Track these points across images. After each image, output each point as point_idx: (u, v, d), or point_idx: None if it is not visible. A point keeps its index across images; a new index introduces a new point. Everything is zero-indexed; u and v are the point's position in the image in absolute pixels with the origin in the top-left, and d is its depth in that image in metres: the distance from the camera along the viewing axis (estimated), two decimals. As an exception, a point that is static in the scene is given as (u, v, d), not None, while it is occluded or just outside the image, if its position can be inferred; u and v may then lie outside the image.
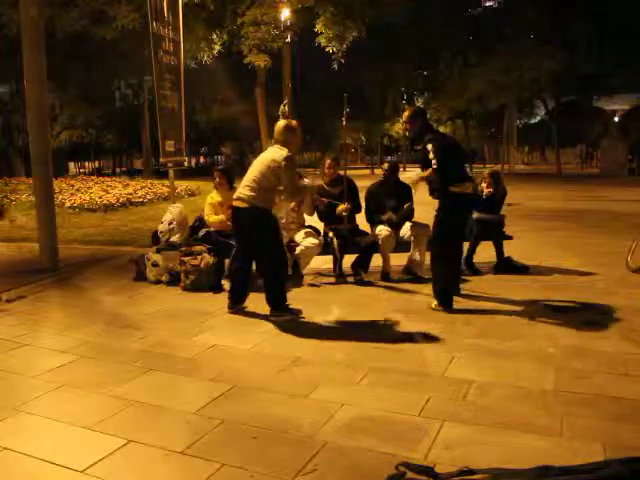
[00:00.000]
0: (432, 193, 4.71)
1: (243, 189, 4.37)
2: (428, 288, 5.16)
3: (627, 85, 27.47)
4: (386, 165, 6.14)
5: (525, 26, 26.53)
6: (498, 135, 37.50)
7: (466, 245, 5.72)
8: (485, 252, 6.01)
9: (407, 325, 4.21)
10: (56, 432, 2.64)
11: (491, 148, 47.66)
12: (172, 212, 6.11)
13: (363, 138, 41.16)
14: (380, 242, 5.54)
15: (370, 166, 38.95)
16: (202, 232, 5.78)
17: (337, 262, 5.63)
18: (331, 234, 5.64)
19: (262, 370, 3.37)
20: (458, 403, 2.87)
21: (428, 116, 5.04)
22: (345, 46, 16.20)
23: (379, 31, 21.96)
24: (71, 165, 41.05)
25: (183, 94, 7.48)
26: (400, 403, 2.86)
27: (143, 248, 6.99)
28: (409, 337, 3.94)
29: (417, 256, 5.61)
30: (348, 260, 5.71)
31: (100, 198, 12.53)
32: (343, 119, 5.84)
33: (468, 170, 5.28)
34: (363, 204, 5.86)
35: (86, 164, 43.08)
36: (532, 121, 40.61)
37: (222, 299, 5.04)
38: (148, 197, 13.47)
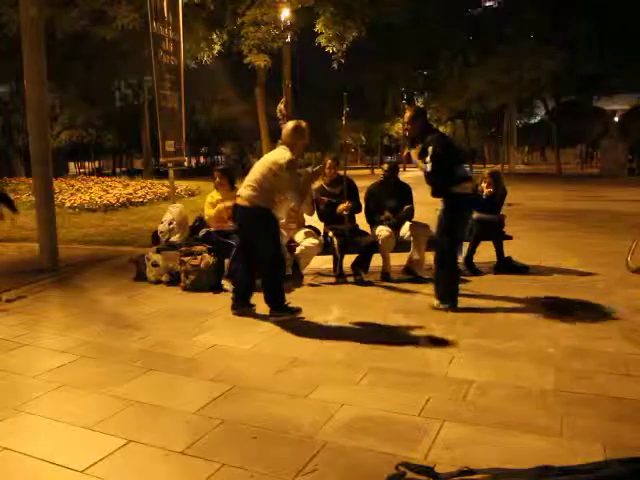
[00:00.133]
0: (434, 193, 4.72)
1: (245, 188, 4.37)
2: (428, 288, 5.17)
3: (627, 85, 27.47)
4: (386, 165, 6.15)
5: (525, 26, 26.54)
6: (498, 135, 37.50)
7: (466, 245, 5.73)
8: (485, 252, 6.01)
9: (407, 325, 4.21)
10: (56, 432, 2.64)
11: (491, 148, 47.67)
12: (172, 212, 6.11)
13: (363, 138, 41.17)
14: (380, 242, 5.54)
15: (370, 166, 38.96)
16: (202, 232, 5.78)
17: (337, 262, 5.63)
18: (331, 234, 5.65)
19: (262, 370, 3.37)
20: (458, 403, 2.87)
21: (428, 116, 5.07)
22: (345, 46, 16.19)
23: (379, 31, 21.95)
24: (71, 165, 41.07)
25: (183, 94, 7.48)
26: (400, 403, 2.86)
27: (143, 248, 6.99)
28: (409, 337, 3.94)
29: (417, 256, 5.61)
30: (348, 260, 5.71)
31: (100, 198, 12.54)
32: (343, 118, 5.85)
33: (468, 170, 5.32)
34: (363, 204, 5.87)
35: (86, 164, 43.10)
36: (532, 121, 40.63)
37: (222, 299, 5.05)
38: (148, 197, 13.48)
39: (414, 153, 4.71)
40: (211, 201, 5.72)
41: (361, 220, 5.89)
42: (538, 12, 25.46)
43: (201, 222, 5.99)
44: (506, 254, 5.97)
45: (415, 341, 3.86)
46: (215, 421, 2.70)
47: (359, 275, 5.61)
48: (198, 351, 3.71)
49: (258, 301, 4.62)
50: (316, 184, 5.59)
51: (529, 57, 24.42)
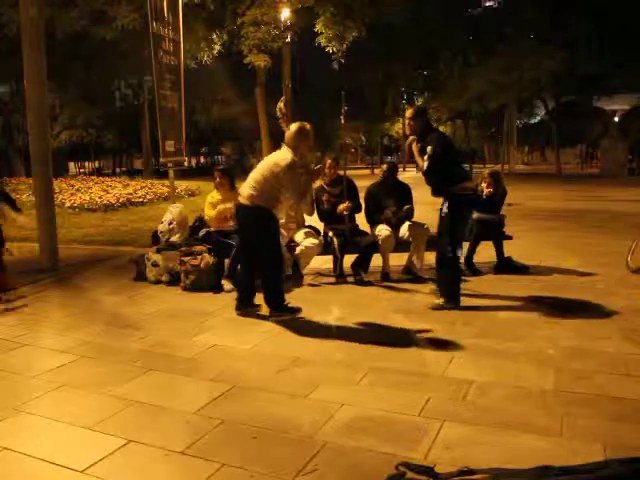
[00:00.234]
0: (434, 193, 4.74)
1: (246, 188, 4.38)
2: (428, 288, 5.18)
3: (627, 85, 27.47)
4: (385, 166, 6.17)
5: (525, 26, 26.53)
6: (498, 135, 37.50)
7: (466, 245, 5.73)
8: (485, 252, 6.01)
9: (407, 325, 4.21)
10: (56, 432, 2.64)
11: (491, 148, 47.66)
12: (172, 212, 6.11)
13: (363, 138, 41.18)
14: (380, 242, 5.54)
15: (370, 166, 38.96)
16: (202, 232, 5.79)
17: (337, 262, 5.63)
18: (331, 234, 5.65)
19: (262, 370, 3.37)
20: (458, 403, 2.87)
21: (427, 116, 5.08)
22: (345, 46, 16.18)
23: (379, 31, 21.95)
24: (71, 165, 41.06)
25: (183, 94, 7.47)
26: (400, 403, 2.86)
27: (143, 248, 6.99)
28: (409, 337, 3.94)
29: (416, 256, 5.62)
30: (348, 260, 5.71)
31: (100, 198, 12.54)
32: (342, 117, 5.88)
33: (467, 170, 5.36)
34: (363, 204, 5.87)
35: (86, 164, 43.08)
36: (532, 121, 40.61)
37: (222, 299, 5.05)
38: (148, 197, 13.48)
39: (415, 147, 4.71)
40: (211, 201, 5.73)
41: (361, 220, 5.89)
42: (538, 12, 25.46)
43: (201, 222, 5.99)
44: (506, 254, 5.97)
45: (415, 341, 3.86)
46: (215, 421, 2.70)
47: (359, 275, 5.62)
48: (198, 351, 3.71)
49: (258, 301, 4.62)
50: (316, 184, 5.59)
51: (529, 57, 24.41)
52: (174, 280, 5.60)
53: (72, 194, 13.08)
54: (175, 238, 5.96)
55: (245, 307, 4.58)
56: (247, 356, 3.63)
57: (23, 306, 4.98)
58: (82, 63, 24.28)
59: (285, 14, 15.66)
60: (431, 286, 5.18)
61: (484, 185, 6.01)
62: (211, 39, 16.27)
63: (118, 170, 39.73)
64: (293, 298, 4.74)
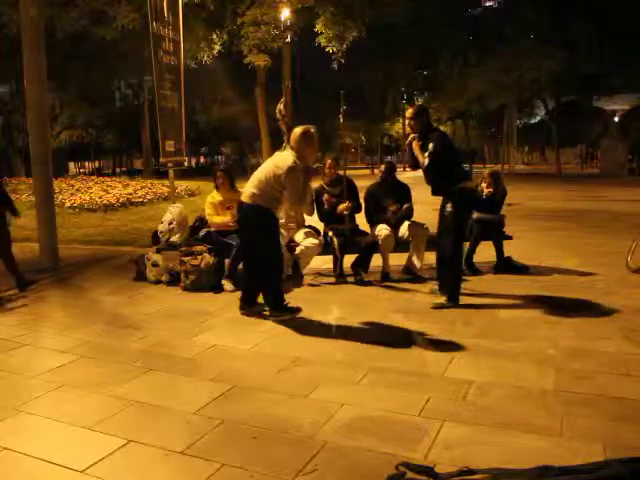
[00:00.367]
0: (433, 192, 4.75)
1: (249, 187, 4.41)
2: (428, 288, 5.18)
3: (627, 85, 27.47)
4: (383, 166, 6.18)
5: (525, 26, 26.53)
6: (498, 135, 37.50)
7: (466, 245, 5.73)
8: (485, 252, 6.01)
9: (407, 325, 4.21)
10: (56, 432, 2.64)
11: (491, 148, 47.65)
12: (172, 212, 6.11)
13: (363, 138, 41.19)
14: (380, 241, 5.54)
15: (370, 166, 38.98)
16: (202, 232, 5.79)
17: (337, 262, 5.63)
18: (331, 234, 5.65)
19: (262, 370, 3.37)
20: (458, 403, 2.87)
21: (428, 115, 5.08)
22: (345, 46, 16.18)
23: (379, 31, 21.95)
24: (71, 165, 41.06)
25: (183, 94, 7.48)
26: (400, 403, 2.86)
27: (143, 248, 7.00)
28: (409, 337, 3.94)
29: (416, 256, 5.62)
30: (348, 260, 5.71)
31: (100, 198, 12.53)
32: (340, 116, 5.92)
33: (467, 169, 5.38)
34: (363, 204, 5.87)
35: (86, 164, 43.08)
36: (532, 121, 40.61)
37: (222, 299, 5.06)
38: (148, 197, 13.47)
39: (417, 145, 4.72)
40: (212, 201, 5.73)
41: (361, 220, 5.89)
42: (538, 12, 25.46)
43: (201, 222, 5.99)
44: (506, 254, 5.97)
45: (415, 341, 3.86)
46: (215, 421, 2.70)
47: (359, 275, 5.62)
48: (198, 351, 3.71)
49: (259, 301, 4.63)
50: (316, 184, 5.59)
51: (529, 57, 24.41)
52: (174, 280, 5.60)
53: (72, 194, 13.07)
54: (175, 238, 5.96)
55: (250, 306, 4.59)
56: (247, 356, 3.63)
57: (23, 306, 4.98)
58: (82, 63, 24.28)
59: (285, 14, 15.65)
60: (431, 286, 5.18)
61: (484, 185, 6.02)
62: (211, 39, 16.26)
63: (118, 170, 39.73)
64: (293, 298, 4.74)
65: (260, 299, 4.60)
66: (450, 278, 4.69)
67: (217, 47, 16.47)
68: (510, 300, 4.81)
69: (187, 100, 8.03)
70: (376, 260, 5.72)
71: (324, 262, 5.98)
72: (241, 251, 5.18)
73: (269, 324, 4.29)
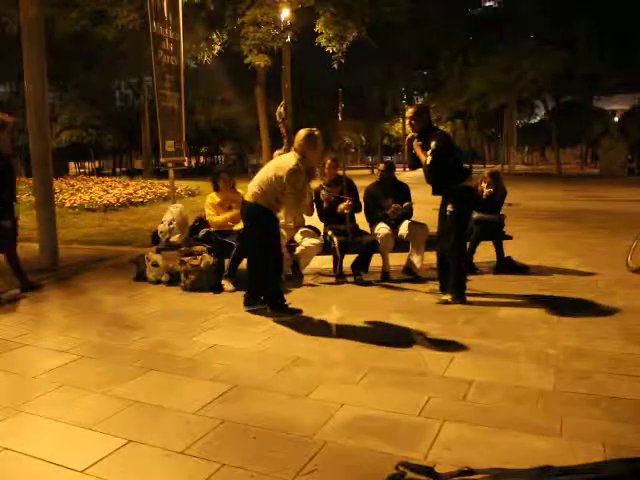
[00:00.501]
0: (434, 191, 4.76)
1: (253, 186, 4.43)
2: (428, 288, 5.18)
3: (627, 85, 27.48)
4: (382, 165, 6.19)
5: (525, 26, 26.54)
6: (498, 135, 37.51)
7: (466, 245, 5.73)
8: (485, 252, 6.01)
9: (407, 325, 4.21)
10: (56, 432, 2.64)
11: (491, 148, 47.65)
12: (172, 212, 6.11)
13: (363, 138, 41.22)
14: (379, 240, 5.54)
15: (370, 166, 38.99)
16: (202, 232, 5.79)
17: (337, 262, 5.63)
18: (330, 233, 5.65)
19: (262, 370, 3.37)
20: (458, 403, 2.86)
21: (429, 115, 5.08)
22: (345, 46, 16.19)
23: (379, 31, 21.96)
24: (71, 165, 41.06)
25: (183, 94, 7.48)
26: (400, 403, 2.86)
27: (143, 248, 7.00)
28: (409, 337, 3.94)
29: (416, 256, 5.62)
30: (348, 260, 5.71)
31: (100, 198, 12.53)
32: (339, 115, 5.96)
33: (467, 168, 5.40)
34: (363, 204, 5.87)
35: (86, 164, 43.06)
36: (532, 121, 40.63)
37: (222, 299, 5.06)
38: (148, 197, 13.48)
39: (417, 144, 4.72)
40: (211, 202, 5.73)
41: (361, 219, 5.89)
42: (538, 12, 25.47)
43: (201, 222, 5.99)
44: (506, 254, 5.97)
45: (415, 341, 3.86)
46: (215, 421, 2.70)
47: (359, 275, 5.61)
48: (198, 351, 3.71)
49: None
50: (315, 184, 5.60)
51: (529, 57, 24.44)
52: (174, 280, 5.60)
53: (72, 194, 13.07)
54: (175, 238, 5.96)
55: (254, 303, 4.60)
56: (247, 356, 3.63)
57: (23, 306, 4.97)
58: (82, 63, 24.30)
59: (285, 14, 15.67)
60: (431, 286, 5.18)
61: (484, 185, 6.02)
62: (211, 39, 16.28)
63: (118, 170, 39.73)
64: (293, 298, 4.75)
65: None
66: (454, 277, 4.70)
67: (217, 47, 16.48)
68: (510, 300, 4.81)
69: (187, 100, 8.03)
70: (376, 260, 5.72)
71: (324, 262, 5.98)
72: (242, 250, 5.21)
73: (269, 324, 4.29)
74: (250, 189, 4.43)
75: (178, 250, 5.63)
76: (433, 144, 4.55)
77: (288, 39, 16.79)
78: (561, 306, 4.56)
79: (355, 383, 3.15)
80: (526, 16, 26.25)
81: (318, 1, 15.50)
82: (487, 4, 37.30)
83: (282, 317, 4.38)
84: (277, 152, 6.46)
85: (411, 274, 5.67)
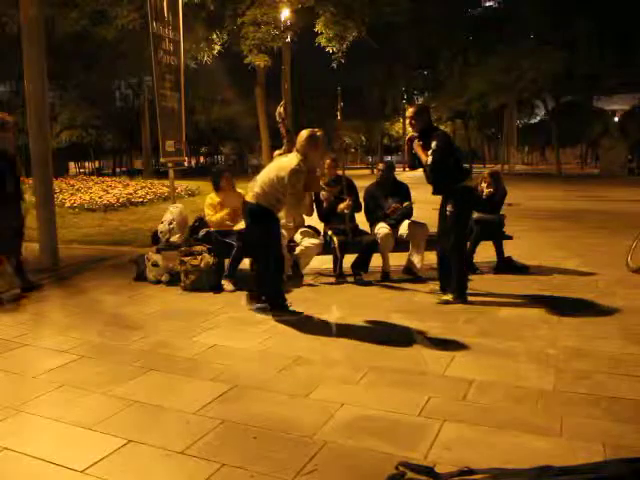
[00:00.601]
0: (435, 191, 4.76)
1: (254, 187, 4.44)
2: (428, 288, 5.18)
3: (627, 85, 27.49)
4: (381, 165, 6.20)
5: (525, 26, 26.54)
6: (498, 135, 37.50)
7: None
8: (485, 252, 6.01)
9: (407, 325, 4.21)
10: (56, 432, 2.64)
11: (491, 148, 47.64)
12: (172, 212, 6.11)
13: (363, 138, 41.22)
14: (379, 240, 5.55)
15: (370, 166, 39.00)
16: (202, 232, 5.79)
17: (337, 262, 5.63)
18: (330, 233, 5.65)
19: (262, 370, 3.37)
20: (458, 403, 2.86)
21: (429, 115, 5.08)
22: (345, 46, 16.19)
23: (379, 31, 21.96)
24: (71, 165, 41.05)
25: (183, 94, 7.48)
26: (400, 403, 2.86)
27: (143, 248, 6.99)
28: (409, 337, 3.94)
29: (416, 255, 5.62)
30: (348, 260, 5.71)
31: (100, 198, 12.54)
32: (337, 113, 5.98)
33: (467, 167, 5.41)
34: (363, 204, 5.88)
35: (86, 164, 43.05)
36: (532, 121, 40.63)
37: (222, 299, 5.06)
38: (148, 197, 13.48)
39: (418, 144, 4.72)
40: (211, 202, 5.73)
41: (361, 219, 5.89)
42: (538, 12, 25.47)
43: (201, 222, 5.99)
44: (506, 254, 5.97)
45: (415, 341, 3.86)
46: (215, 421, 2.70)
47: (359, 275, 5.61)
48: (198, 351, 3.71)
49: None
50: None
51: (529, 57, 24.44)
52: (174, 280, 5.60)
53: (72, 194, 13.07)
54: (175, 238, 5.96)
55: (258, 301, 4.61)
56: (247, 356, 3.63)
57: (23, 306, 4.97)
58: (82, 63, 24.30)
59: (285, 14, 15.67)
60: (431, 286, 5.18)
61: (484, 185, 6.02)
62: (211, 39, 16.28)
63: (118, 170, 39.71)
64: (293, 298, 4.75)
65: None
66: (455, 276, 4.70)
67: (217, 47, 16.48)
68: (510, 300, 4.81)
69: (187, 100, 8.03)
70: (376, 260, 5.72)
71: (324, 262, 5.98)
72: (244, 251, 5.22)
73: (269, 324, 4.29)
74: (252, 189, 4.45)
75: (178, 250, 5.63)
76: (434, 144, 4.55)
77: (288, 39, 16.79)
78: (561, 306, 4.56)
79: (355, 383, 3.15)
80: (526, 16, 26.25)
81: (318, 1, 15.50)
82: (487, 4, 37.30)
83: (282, 317, 4.38)
84: (277, 152, 6.46)
85: (411, 274, 5.67)
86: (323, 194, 5.67)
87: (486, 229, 5.88)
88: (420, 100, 36.82)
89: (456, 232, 4.68)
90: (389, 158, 41.83)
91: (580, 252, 6.89)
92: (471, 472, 2.08)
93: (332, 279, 5.68)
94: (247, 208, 4.49)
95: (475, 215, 5.70)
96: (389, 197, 5.79)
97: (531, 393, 2.95)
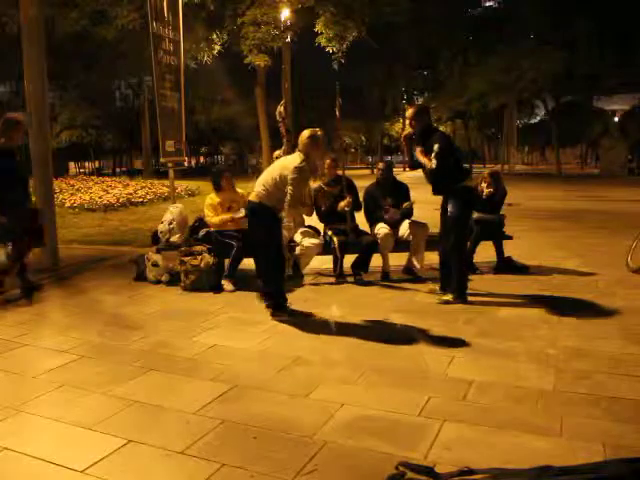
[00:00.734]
0: (435, 191, 4.77)
1: (257, 186, 4.46)
2: (428, 288, 5.17)
3: (627, 85, 27.49)
4: (381, 165, 6.20)
5: (525, 26, 26.54)
6: (498, 135, 37.49)
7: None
8: (485, 252, 6.01)
9: (407, 325, 4.21)
10: (56, 432, 2.64)
11: (491, 148, 47.63)
12: (172, 212, 6.11)
13: (363, 138, 41.22)
14: (379, 240, 5.55)
15: (370, 166, 39.01)
16: (202, 232, 5.79)
17: (337, 262, 5.63)
18: (330, 233, 5.65)
19: (262, 370, 3.37)
20: (458, 403, 2.86)
21: (429, 115, 5.09)
22: (345, 46, 16.19)
23: (379, 31, 21.96)
24: (71, 165, 41.06)
25: (183, 94, 7.48)
26: (400, 403, 2.86)
27: (143, 248, 6.99)
28: (409, 337, 3.94)
29: (416, 255, 5.62)
30: (348, 260, 5.71)
31: (100, 198, 12.54)
32: (336, 110, 6.00)
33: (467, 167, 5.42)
34: (362, 204, 5.87)
35: (86, 164, 43.05)
36: (532, 121, 40.63)
37: (222, 299, 5.06)
38: (148, 197, 13.49)
39: (420, 151, 4.72)
40: (211, 202, 5.73)
41: (361, 219, 5.89)
42: (538, 12, 25.48)
43: (201, 222, 5.99)
44: (506, 254, 5.97)
45: (415, 341, 3.86)
46: (215, 421, 2.70)
47: (359, 275, 5.61)
48: (198, 351, 3.71)
49: (258, 301, 4.64)
50: (315, 184, 5.59)
51: (529, 57, 24.44)
52: (174, 280, 5.60)
53: (72, 194, 13.08)
54: (175, 238, 5.96)
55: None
56: (247, 356, 3.63)
57: (23, 306, 4.97)
58: (82, 63, 24.29)
59: (285, 14, 15.66)
60: (431, 286, 5.18)
61: (484, 185, 6.02)
62: (211, 39, 16.27)
63: (118, 170, 39.71)
64: (293, 298, 4.75)
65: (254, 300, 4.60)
66: (455, 276, 4.70)
67: (217, 47, 16.47)
68: (510, 300, 4.81)
69: (187, 100, 8.03)
70: (376, 260, 5.72)
71: (324, 262, 5.98)
72: (243, 250, 5.21)
73: (269, 324, 4.29)
74: (256, 190, 4.47)
75: (178, 250, 5.63)
76: (436, 147, 4.54)
77: (288, 39, 16.78)
78: (561, 306, 4.56)
79: (355, 383, 3.15)
80: (526, 16, 26.26)
81: (318, 1, 15.49)
82: (487, 4, 37.31)
83: (282, 317, 4.38)
84: (276, 152, 6.46)
85: (411, 274, 5.68)
86: (322, 194, 5.65)
87: (486, 229, 5.88)
88: (420, 100, 36.83)
89: (456, 232, 4.69)
90: (389, 158, 41.84)
91: (580, 252, 6.89)
92: (471, 472, 2.08)
93: (332, 279, 5.68)
94: (250, 207, 4.51)
95: (475, 215, 5.70)
96: (388, 197, 5.79)
97: (531, 393, 2.95)
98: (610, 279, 5.45)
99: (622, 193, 16.01)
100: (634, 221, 9.09)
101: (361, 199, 5.92)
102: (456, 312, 4.47)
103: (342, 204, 5.59)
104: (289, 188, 4.28)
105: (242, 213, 5.35)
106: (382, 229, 5.57)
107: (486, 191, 5.98)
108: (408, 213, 5.78)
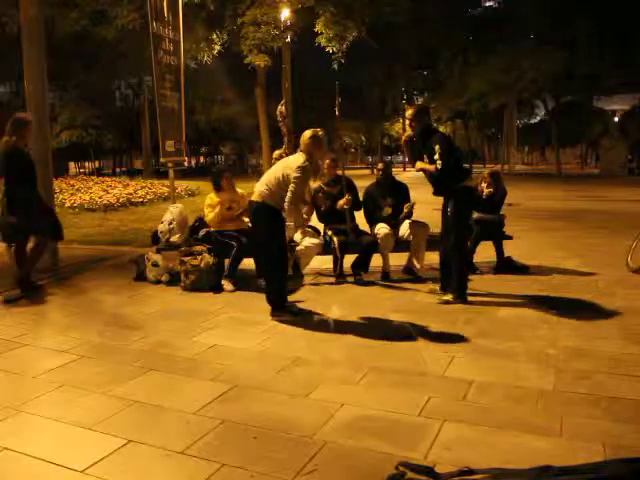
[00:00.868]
0: (437, 191, 4.77)
1: (260, 186, 4.47)
2: (428, 288, 5.18)
3: (627, 85, 27.49)
4: (380, 165, 6.20)
5: (525, 26, 26.55)
6: (498, 135, 37.49)
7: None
8: (485, 252, 6.01)
9: (407, 325, 4.21)
10: (56, 432, 2.64)
11: (491, 148, 47.63)
12: (172, 212, 6.11)
13: (363, 138, 41.22)
14: (379, 240, 5.55)
15: (370, 166, 39.02)
16: (202, 232, 5.79)
17: (337, 262, 5.63)
18: (330, 233, 5.65)
19: (262, 370, 3.37)
20: (458, 403, 2.86)
21: (429, 116, 5.09)
22: (345, 46, 16.18)
23: (379, 31, 21.96)
24: (71, 165, 41.06)
25: (183, 94, 7.48)
26: (400, 403, 2.86)
27: (143, 248, 6.99)
28: (409, 337, 3.94)
29: (417, 255, 5.62)
30: (348, 260, 5.71)
31: (100, 198, 12.54)
32: (336, 109, 6.00)
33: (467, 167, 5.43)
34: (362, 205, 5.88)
35: (86, 164, 43.06)
36: (532, 121, 40.63)
37: (222, 299, 5.06)
38: (148, 197, 13.50)
39: (421, 164, 4.74)
40: (211, 202, 5.72)
41: (361, 220, 5.89)
42: (538, 12, 25.48)
43: (201, 222, 5.99)
44: (506, 254, 5.97)
45: (415, 341, 3.86)
46: (215, 421, 2.70)
47: (359, 275, 5.61)
48: (198, 351, 3.71)
49: (258, 301, 4.64)
50: (314, 184, 5.60)
51: (529, 57, 24.45)
52: (174, 280, 5.60)
53: (72, 194, 13.08)
54: (175, 238, 5.96)
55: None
56: (247, 356, 3.63)
57: (23, 306, 4.97)
58: (82, 63, 24.29)
59: (285, 14, 15.65)
60: (431, 286, 5.18)
61: (484, 185, 6.02)
62: (211, 39, 16.27)
63: (118, 170, 39.72)
64: (293, 298, 4.75)
65: (259, 300, 4.59)
66: (455, 276, 4.70)
67: (217, 47, 16.47)
68: (510, 300, 4.81)
69: (187, 100, 8.03)
70: (376, 260, 5.72)
71: (324, 262, 5.98)
72: (243, 250, 5.22)
73: (269, 324, 4.29)
74: (257, 189, 4.48)
75: (178, 250, 5.63)
76: (438, 147, 4.55)
77: (288, 39, 16.76)
78: (561, 306, 4.56)
79: (355, 383, 3.15)
80: (526, 16, 26.27)
81: (318, 1, 15.48)
82: (487, 4, 37.33)
83: (282, 317, 4.38)
84: (276, 152, 6.46)
85: (411, 274, 5.68)
86: (320, 195, 5.65)
87: (486, 229, 5.88)
88: (420, 100, 36.83)
89: (456, 232, 4.69)
90: (388, 158, 41.85)
91: (580, 252, 6.89)
92: (471, 472, 2.08)
93: (332, 279, 5.68)
94: (253, 207, 4.52)
95: (475, 215, 5.70)
96: (388, 197, 5.80)
97: (531, 393, 2.95)
98: (610, 279, 5.45)
99: (622, 193, 16.02)
100: (634, 221, 9.09)
101: (361, 199, 5.92)
102: (456, 312, 4.47)
103: (341, 202, 5.59)
104: (291, 186, 4.29)
105: (246, 220, 5.41)
106: (382, 229, 5.57)
107: (486, 191, 5.98)
108: (409, 213, 5.78)
